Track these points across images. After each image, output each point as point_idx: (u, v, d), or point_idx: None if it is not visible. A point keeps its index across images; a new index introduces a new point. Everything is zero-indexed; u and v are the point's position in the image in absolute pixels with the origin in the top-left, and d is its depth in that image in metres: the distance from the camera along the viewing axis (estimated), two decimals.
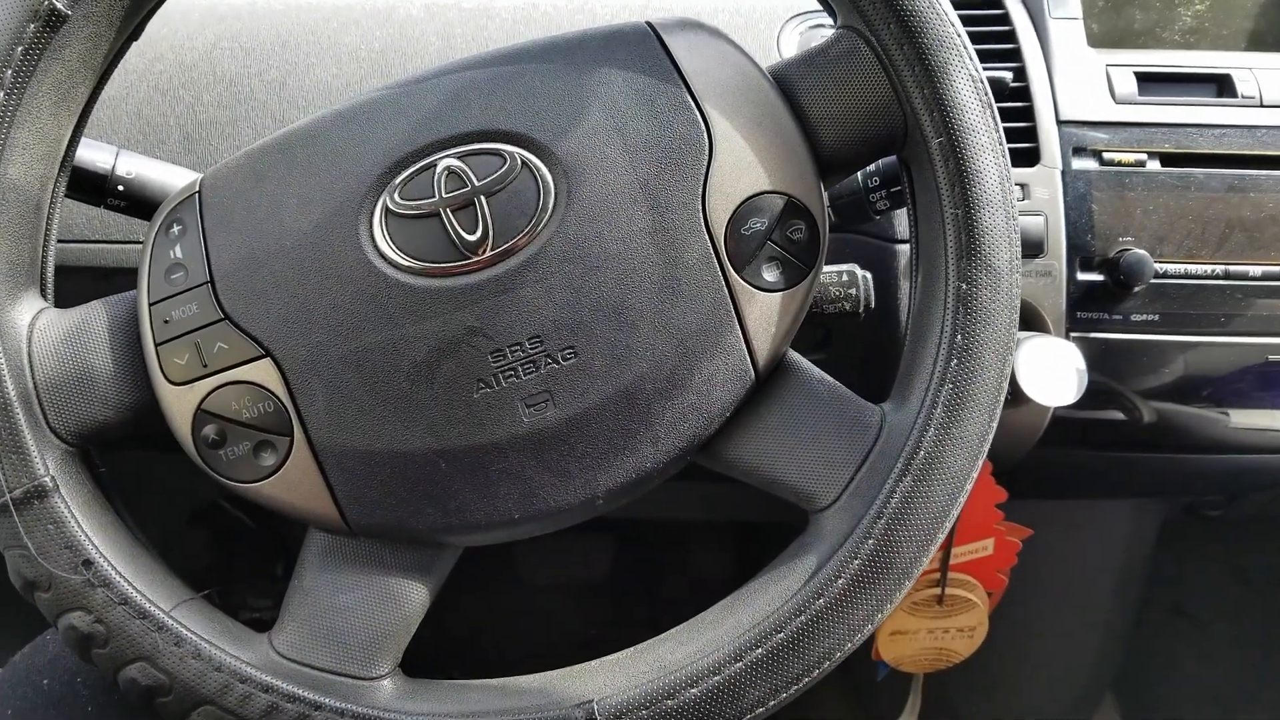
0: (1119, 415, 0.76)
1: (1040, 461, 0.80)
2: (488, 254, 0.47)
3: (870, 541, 0.46)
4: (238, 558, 1.23)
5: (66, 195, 0.53)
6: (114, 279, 0.71)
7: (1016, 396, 0.64)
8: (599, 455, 0.48)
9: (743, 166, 0.48)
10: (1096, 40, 0.76)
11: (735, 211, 0.48)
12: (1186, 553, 1.34)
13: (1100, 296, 0.72)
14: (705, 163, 0.48)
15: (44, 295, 0.52)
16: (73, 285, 0.54)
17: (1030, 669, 1.20)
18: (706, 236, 0.48)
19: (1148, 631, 1.32)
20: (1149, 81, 0.75)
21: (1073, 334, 0.72)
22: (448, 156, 0.48)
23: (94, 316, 0.50)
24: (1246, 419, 0.77)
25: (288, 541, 1.24)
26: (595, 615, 1.38)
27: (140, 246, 0.72)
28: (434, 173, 0.47)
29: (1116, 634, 1.22)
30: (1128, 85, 0.74)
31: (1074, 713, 1.26)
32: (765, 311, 0.48)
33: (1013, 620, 0.99)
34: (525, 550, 1.35)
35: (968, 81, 0.46)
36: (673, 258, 0.47)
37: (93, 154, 0.57)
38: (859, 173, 0.59)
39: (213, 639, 0.48)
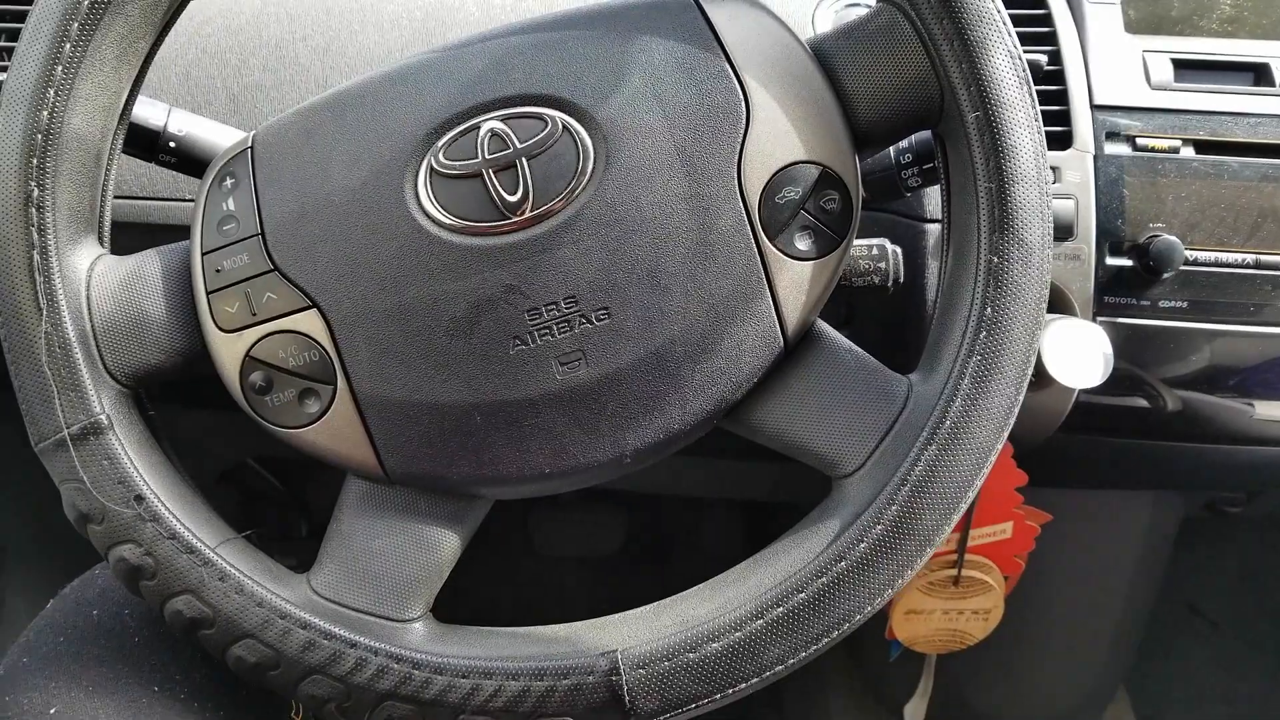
0: (1143, 402, 0.77)
1: (1062, 447, 0.80)
2: (527, 214, 0.48)
3: (893, 508, 0.47)
4: (264, 518, 1.26)
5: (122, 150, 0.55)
6: (159, 235, 0.73)
7: (1041, 378, 0.64)
8: (629, 414, 0.49)
9: (779, 136, 0.49)
10: (1134, 26, 0.76)
11: (770, 180, 0.49)
12: (1205, 551, 1.34)
13: (1129, 281, 0.72)
14: (742, 131, 0.49)
15: (101, 242, 0.53)
16: (120, 240, 0.56)
17: (1043, 658, 1.20)
18: (741, 204, 0.48)
19: (1163, 629, 1.32)
20: (1185, 68, 0.74)
21: (1100, 318, 0.72)
22: (491, 119, 0.49)
23: (148, 264, 0.52)
24: (1271, 410, 0.77)
25: (312, 504, 1.27)
26: (604, 589, 1.40)
27: (186, 204, 0.74)
28: (478, 134, 0.49)
29: (1131, 629, 1.21)
30: (1164, 71, 0.74)
31: (1086, 705, 1.26)
32: (796, 279, 0.49)
33: (1027, 607, 0.99)
34: (540, 524, 1.37)
35: (1006, 57, 0.47)
36: (707, 224, 0.48)
37: (146, 111, 0.58)
38: (891, 149, 0.60)
39: (255, 576, 0.49)
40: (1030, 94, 0.47)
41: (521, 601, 1.39)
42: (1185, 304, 0.72)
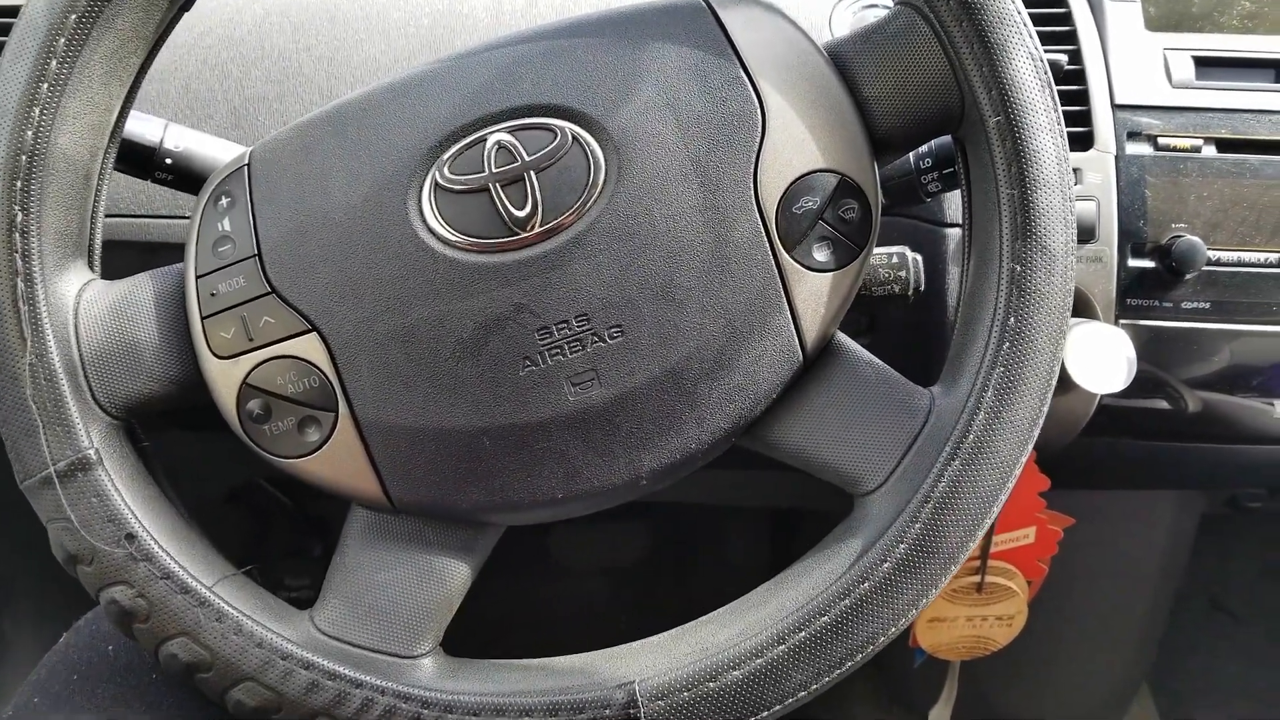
0: (1165, 404, 0.76)
1: (1085, 450, 0.79)
2: (536, 230, 0.47)
3: (916, 526, 0.46)
4: (275, 537, 1.25)
5: (114, 168, 0.54)
6: (159, 254, 0.72)
7: (1064, 383, 0.64)
8: (644, 435, 0.47)
9: (796, 144, 0.47)
10: (1154, 24, 0.75)
11: (787, 190, 0.47)
12: (1226, 545, 1.33)
13: (1151, 283, 0.71)
14: (758, 140, 0.47)
15: (91, 267, 0.52)
16: (117, 260, 0.54)
17: (1067, 660, 1.21)
18: (757, 215, 0.47)
19: (1186, 626, 1.32)
20: (1207, 66, 0.74)
21: (1122, 320, 0.72)
22: (498, 131, 0.48)
23: (140, 289, 0.50)
24: None
25: (326, 521, 1.26)
26: (628, 602, 1.39)
27: (185, 221, 0.73)
28: (484, 147, 0.47)
29: (1154, 627, 1.21)
30: (1185, 69, 0.73)
31: (1110, 703, 1.26)
32: (815, 292, 0.48)
33: (1051, 609, 0.99)
34: (560, 534, 1.36)
35: (1027, 59, 0.45)
36: (722, 236, 0.47)
37: (141, 127, 0.57)
38: (911, 154, 0.59)
39: (254, 615, 0.48)
40: (1052, 97, 0.46)
41: (540, 615, 1.38)
42: (1208, 305, 0.72)
